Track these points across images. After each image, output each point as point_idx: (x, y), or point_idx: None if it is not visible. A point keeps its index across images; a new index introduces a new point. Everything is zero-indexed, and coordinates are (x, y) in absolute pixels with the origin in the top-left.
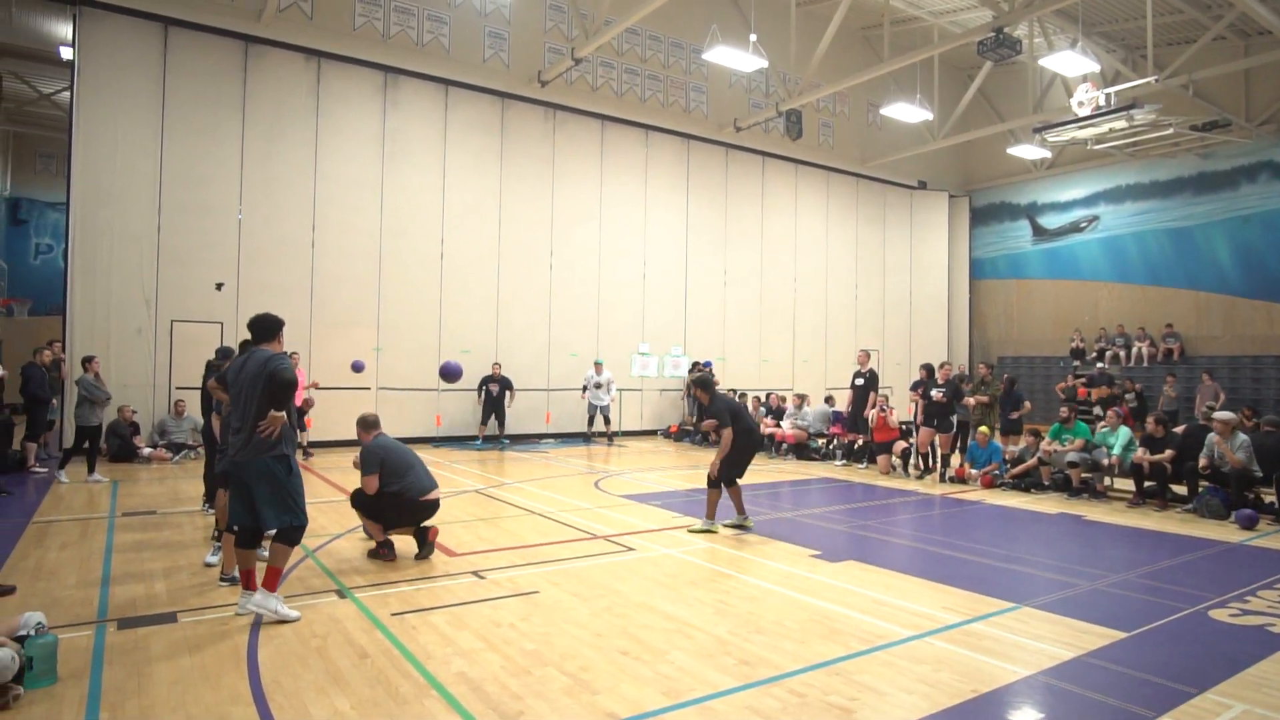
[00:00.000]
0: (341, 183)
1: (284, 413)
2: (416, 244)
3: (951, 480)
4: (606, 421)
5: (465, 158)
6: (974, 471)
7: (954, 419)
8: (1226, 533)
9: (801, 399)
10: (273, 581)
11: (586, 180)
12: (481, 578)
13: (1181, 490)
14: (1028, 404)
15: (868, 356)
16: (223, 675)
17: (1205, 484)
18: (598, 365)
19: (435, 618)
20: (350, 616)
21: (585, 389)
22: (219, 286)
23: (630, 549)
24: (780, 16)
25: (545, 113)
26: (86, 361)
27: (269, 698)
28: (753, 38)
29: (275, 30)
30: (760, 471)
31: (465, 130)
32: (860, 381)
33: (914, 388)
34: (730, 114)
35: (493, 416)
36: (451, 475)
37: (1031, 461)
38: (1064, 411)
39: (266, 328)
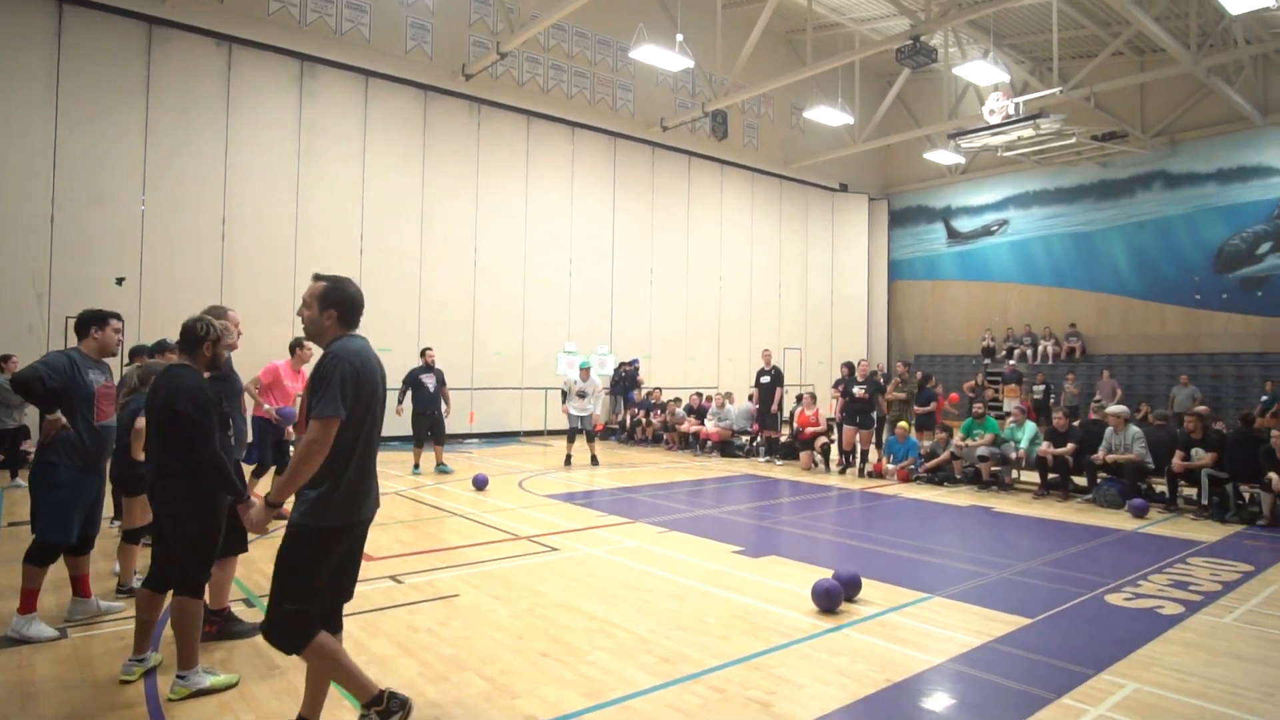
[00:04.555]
0: (255, 174)
1: (57, 416)
2: (335, 239)
3: (870, 475)
4: (590, 439)
5: (386, 151)
6: (891, 466)
7: (875, 415)
8: (1122, 521)
9: (725, 397)
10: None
11: (512, 176)
12: (399, 582)
13: (1082, 481)
14: (935, 404)
15: (770, 355)
16: (117, 694)
17: (1103, 475)
18: (584, 370)
19: (348, 625)
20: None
21: (565, 397)
22: (120, 281)
23: (554, 549)
24: (707, 17)
25: (470, 107)
26: (3, 360)
27: (168, 716)
28: (679, 37)
29: (181, 12)
30: (686, 469)
31: (386, 123)
32: (766, 379)
33: (835, 385)
34: (657, 113)
35: (428, 427)
36: None
37: (944, 456)
38: (977, 408)
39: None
